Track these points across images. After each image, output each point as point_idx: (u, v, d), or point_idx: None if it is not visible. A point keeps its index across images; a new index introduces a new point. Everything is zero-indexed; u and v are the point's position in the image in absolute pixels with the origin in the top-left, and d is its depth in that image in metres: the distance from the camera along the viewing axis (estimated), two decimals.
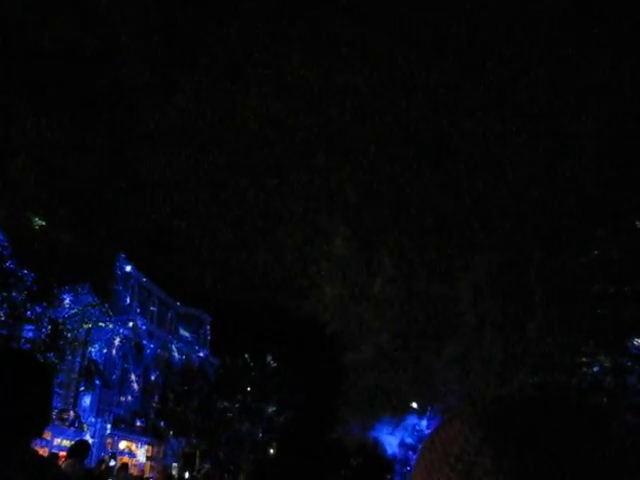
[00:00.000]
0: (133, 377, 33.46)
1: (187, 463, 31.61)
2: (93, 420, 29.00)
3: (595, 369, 20.29)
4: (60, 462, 9.23)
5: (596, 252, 18.28)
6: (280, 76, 71.03)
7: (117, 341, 31.61)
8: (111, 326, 30.10)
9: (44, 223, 24.80)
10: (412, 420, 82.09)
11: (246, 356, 34.73)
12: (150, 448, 33.41)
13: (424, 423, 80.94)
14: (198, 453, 31.74)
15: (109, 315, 30.06)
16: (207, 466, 29.82)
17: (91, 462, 24.61)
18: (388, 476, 53.28)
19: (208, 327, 41.92)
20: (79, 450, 7.65)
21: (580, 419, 0.61)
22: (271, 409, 34.25)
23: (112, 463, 21.86)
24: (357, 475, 50.24)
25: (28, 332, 21.88)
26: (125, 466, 20.85)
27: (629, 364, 18.42)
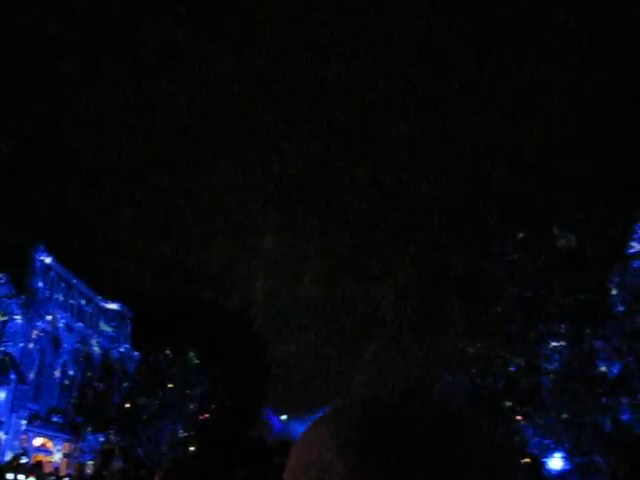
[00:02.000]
0: (51, 372, 32.67)
1: (105, 460, 31.05)
2: (7, 416, 28.18)
3: (511, 369, 20.92)
4: None
5: (515, 256, 18.78)
6: (198, 69, 70.58)
7: (34, 335, 30.77)
8: (28, 319, 29.32)
9: None
10: None
11: (167, 352, 34.31)
12: (67, 445, 32.70)
13: None
14: (117, 450, 31.22)
15: (26, 308, 29.26)
16: (118, 464, 29.43)
17: (2, 459, 23.96)
18: None
19: (129, 322, 41.29)
20: None
21: (435, 427, 0.61)
22: (192, 406, 33.94)
23: (24, 460, 21.32)
24: (276, 474, 50.29)
25: None
26: (39, 464, 20.38)
27: (543, 365, 19.04)
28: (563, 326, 17.90)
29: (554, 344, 18.53)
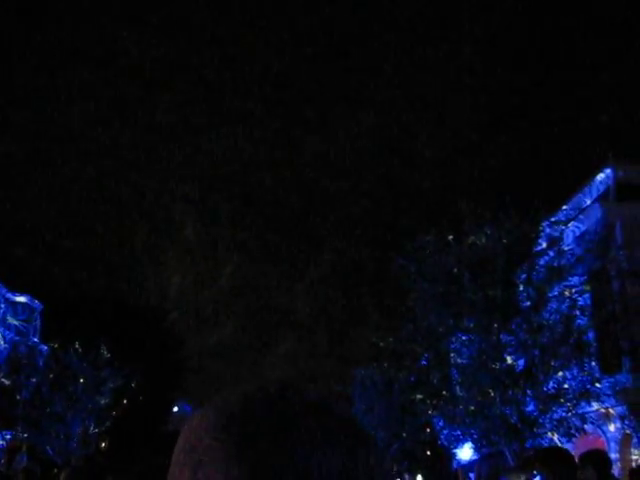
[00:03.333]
0: None
1: (11, 459, 30.12)
2: None
3: (422, 363, 21.43)
4: None
5: (427, 252, 19.18)
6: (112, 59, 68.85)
7: None
8: None
9: None
10: None
11: (77, 346, 33.47)
12: None
13: None
14: (24, 448, 30.33)
15: None
16: (23, 463, 28.57)
17: None
18: None
19: (38, 315, 40.10)
20: None
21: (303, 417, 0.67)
22: (104, 401, 33.26)
23: None
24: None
25: None
26: None
27: (453, 359, 19.60)
28: (472, 321, 18.44)
29: (463, 338, 19.08)
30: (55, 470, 18.29)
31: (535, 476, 4.73)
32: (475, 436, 19.02)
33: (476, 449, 20.63)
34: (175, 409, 54.53)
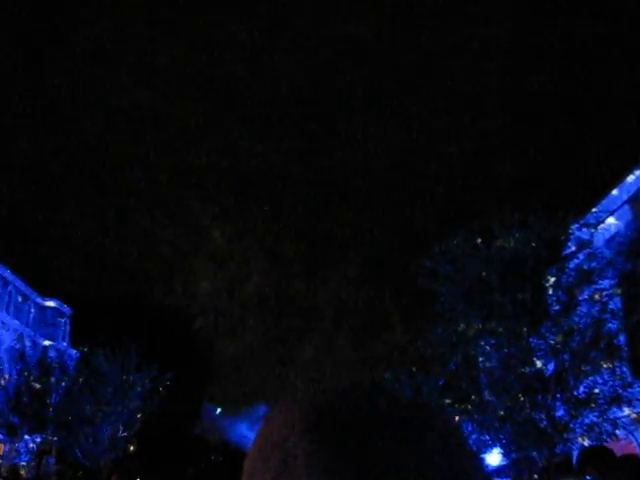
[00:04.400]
0: None
1: (41, 461, 30.45)
2: None
3: (451, 367, 21.27)
4: None
5: (456, 254, 19.05)
6: (148, 65, 69.48)
7: None
8: None
9: None
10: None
11: (107, 350, 33.78)
12: (2, 446, 31.96)
13: None
14: (54, 451, 30.64)
15: None
16: (52, 463, 28.88)
17: None
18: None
19: (68, 319, 40.54)
20: None
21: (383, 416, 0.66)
22: (132, 404, 33.50)
23: None
24: (215, 471, 50.08)
25: None
26: None
27: (482, 363, 19.43)
28: (501, 324, 18.28)
29: (492, 342, 18.92)
30: (81, 472, 18.42)
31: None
32: (504, 441, 18.82)
33: (505, 454, 20.43)
34: (203, 412, 54.74)
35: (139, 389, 33.60)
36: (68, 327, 39.97)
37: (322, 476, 0.60)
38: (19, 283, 35.19)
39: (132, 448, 34.07)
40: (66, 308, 40.18)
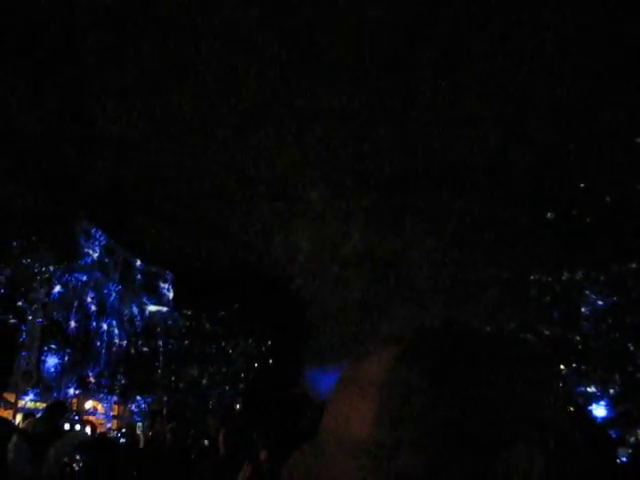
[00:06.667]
0: (97, 337, 33.30)
1: (154, 421, 31.75)
2: (57, 380, 28.86)
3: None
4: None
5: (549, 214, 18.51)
6: (241, 27, 69.58)
7: (79, 301, 31.33)
8: (72, 285, 29.82)
9: None
10: None
11: (209, 312, 34.73)
12: (116, 407, 33.46)
13: None
14: (164, 411, 31.88)
15: (71, 275, 29.75)
16: (165, 422, 29.98)
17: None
18: None
19: (170, 284, 41.72)
20: (52, 410, 7.56)
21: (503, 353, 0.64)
22: (236, 366, 34.43)
23: (77, 427, 21.81)
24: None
25: None
26: (93, 426, 20.85)
27: (585, 314, 18.87)
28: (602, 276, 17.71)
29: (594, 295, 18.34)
30: (192, 431, 19.05)
31: None
32: (611, 393, 18.34)
33: (611, 407, 19.90)
34: (303, 372, 55.67)
35: (242, 350, 34.47)
36: (172, 291, 41.09)
37: (424, 411, 0.59)
38: (123, 252, 36.40)
39: (238, 407, 35.02)
40: (169, 273, 41.28)
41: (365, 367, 0.68)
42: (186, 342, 34.13)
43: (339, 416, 0.67)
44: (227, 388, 33.96)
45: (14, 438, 6.20)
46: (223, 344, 34.38)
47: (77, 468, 2.17)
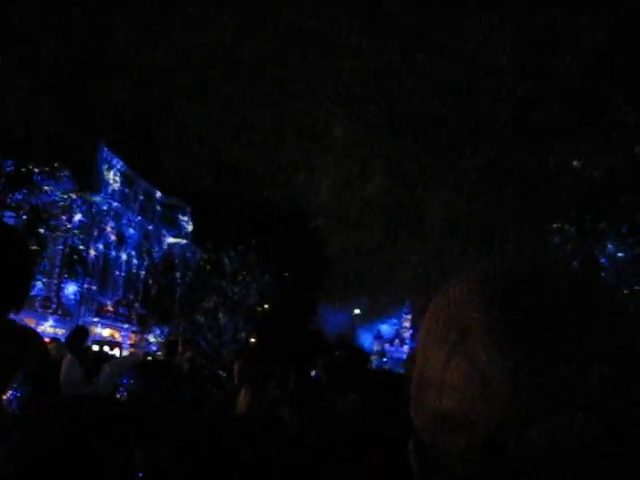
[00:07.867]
0: (116, 266, 33.63)
1: (170, 351, 32.27)
2: (77, 308, 29.29)
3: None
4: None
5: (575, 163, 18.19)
6: None
7: (99, 230, 31.54)
8: (92, 215, 29.97)
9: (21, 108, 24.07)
10: (391, 313, 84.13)
11: (228, 246, 34.86)
12: (134, 336, 33.97)
13: (407, 316, 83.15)
14: (180, 341, 32.33)
15: (90, 203, 29.87)
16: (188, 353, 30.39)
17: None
18: (368, 366, 55.12)
19: (190, 217, 41.79)
20: (74, 335, 7.64)
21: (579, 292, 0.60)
22: (252, 299, 34.72)
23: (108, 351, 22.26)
24: (340, 364, 51.70)
25: (8, 219, 21.68)
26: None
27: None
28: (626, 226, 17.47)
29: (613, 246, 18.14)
30: (207, 362, 19.33)
31: None
32: None
33: None
34: (318, 309, 56.18)
35: (258, 284, 34.71)
36: (191, 224, 41.17)
37: (501, 355, 0.57)
38: (143, 182, 36.35)
39: (253, 340, 35.49)
40: (187, 206, 41.27)
41: (442, 303, 0.64)
42: (204, 275, 34.38)
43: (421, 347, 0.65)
44: (242, 321, 34.34)
45: (68, 356, 6.30)
46: (240, 278, 34.61)
47: (132, 388, 2.17)
